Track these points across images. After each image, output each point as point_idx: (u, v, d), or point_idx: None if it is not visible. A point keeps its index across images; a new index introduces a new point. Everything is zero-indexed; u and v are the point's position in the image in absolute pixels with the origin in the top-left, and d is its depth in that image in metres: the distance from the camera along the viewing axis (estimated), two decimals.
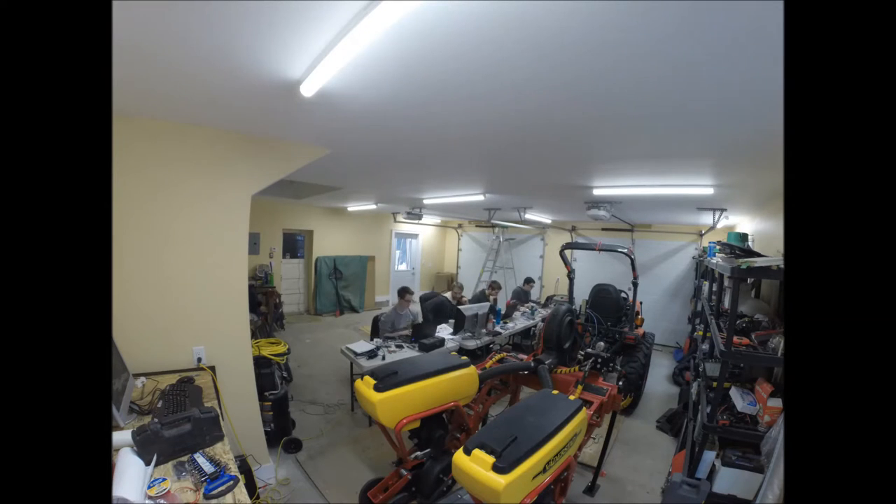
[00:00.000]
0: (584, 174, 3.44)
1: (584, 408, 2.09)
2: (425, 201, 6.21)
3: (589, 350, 3.25)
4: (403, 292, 4.72)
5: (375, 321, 4.65)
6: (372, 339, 4.21)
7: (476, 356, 3.98)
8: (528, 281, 7.33)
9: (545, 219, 7.72)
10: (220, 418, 1.71)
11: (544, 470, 1.66)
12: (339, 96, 1.79)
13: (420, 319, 4.59)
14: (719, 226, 5.36)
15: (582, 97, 1.69)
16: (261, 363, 3.11)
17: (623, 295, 5.36)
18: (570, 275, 5.42)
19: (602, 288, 5.37)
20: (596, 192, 4.06)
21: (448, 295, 5.87)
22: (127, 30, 1.25)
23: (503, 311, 5.47)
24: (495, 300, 5.90)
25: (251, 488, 2.38)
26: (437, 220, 10.83)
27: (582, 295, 5.53)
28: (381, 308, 9.41)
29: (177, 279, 2.37)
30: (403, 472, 2.43)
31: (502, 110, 1.90)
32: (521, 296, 7.02)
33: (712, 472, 2.18)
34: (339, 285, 8.89)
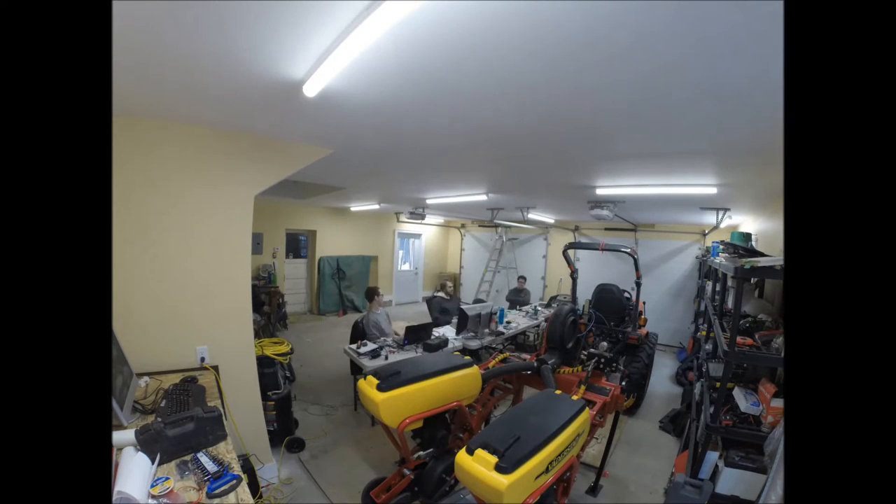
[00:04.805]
0: (588, 173, 3.43)
1: (586, 408, 2.08)
2: (428, 201, 6.22)
3: (592, 350, 3.24)
4: (372, 294, 4.72)
5: (356, 326, 4.55)
6: (353, 343, 4.10)
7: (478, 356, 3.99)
8: (520, 278, 7.30)
9: (548, 218, 7.71)
10: (224, 418, 1.72)
11: (547, 470, 1.65)
12: (342, 96, 1.80)
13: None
14: (723, 225, 5.34)
15: (585, 96, 1.69)
16: (264, 363, 3.12)
17: (626, 295, 5.35)
18: (574, 275, 5.40)
19: (605, 288, 5.36)
20: (599, 191, 4.06)
21: (441, 294, 5.90)
22: (131, 28, 1.26)
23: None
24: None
25: (254, 488, 2.40)
26: (440, 219, 10.83)
27: (585, 295, 5.51)
28: (385, 308, 9.40)
29: (180, 279, 2.39)
30: (406, 471, 2.43)
31: (504, 109, 1.90)
32: (516, 296, 6.99)
33: (715, 473, 2.17)
34: (343, 285, 8.90)
